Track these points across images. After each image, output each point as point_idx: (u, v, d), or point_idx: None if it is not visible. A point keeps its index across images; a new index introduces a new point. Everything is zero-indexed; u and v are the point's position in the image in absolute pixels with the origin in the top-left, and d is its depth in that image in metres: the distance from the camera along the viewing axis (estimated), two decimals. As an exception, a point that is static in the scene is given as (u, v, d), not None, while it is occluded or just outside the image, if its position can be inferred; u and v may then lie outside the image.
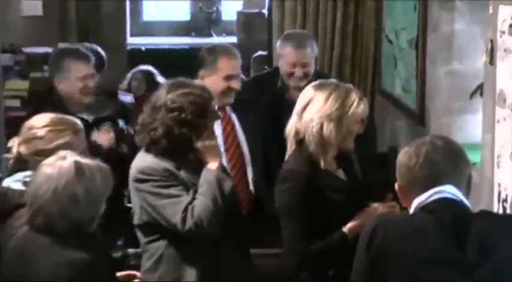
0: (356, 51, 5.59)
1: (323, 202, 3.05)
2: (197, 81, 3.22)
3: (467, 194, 2.41)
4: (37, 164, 2.77)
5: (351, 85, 3.18)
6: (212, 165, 3.08)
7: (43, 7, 7.24)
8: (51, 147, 2.96)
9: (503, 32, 3.05)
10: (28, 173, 2.97)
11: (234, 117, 4.00)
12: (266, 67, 5.88)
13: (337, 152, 3.14)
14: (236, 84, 3.89)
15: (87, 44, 5.67)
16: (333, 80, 3.24)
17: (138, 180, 3.08)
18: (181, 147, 3.08)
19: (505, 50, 3.04)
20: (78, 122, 3.18)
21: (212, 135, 3.17)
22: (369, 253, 2.31)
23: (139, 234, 3.18)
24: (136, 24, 8.82)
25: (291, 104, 3.26)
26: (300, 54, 4.29)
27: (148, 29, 8.93)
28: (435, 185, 2.34)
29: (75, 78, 4.07)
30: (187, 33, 8.90)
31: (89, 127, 3.91)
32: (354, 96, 3.08)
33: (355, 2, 5.53)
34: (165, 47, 8.50)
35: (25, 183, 2.91)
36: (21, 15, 7.24)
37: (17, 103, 5.80)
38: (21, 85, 6.02)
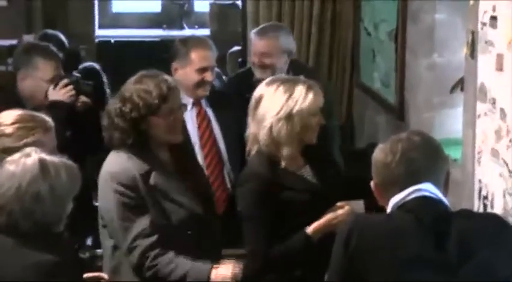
0: (334, 44, 5.59)
1: (284, 203, 3.03)
2: (165, 76, 3.13)
3: (445, 192, 2.37)
4: None
5: (300, 77, 3.09)
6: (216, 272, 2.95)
7: (7, -3, 7.13)
8: (20, 145, 2.89)
9: (484, 24, 3.03)
10: None
11: (210, 112, 3.95)
12: (240, 60, 5.79)
13: (301, 147, 3.11)
14: (210, 77, 3.86)
15: (50, 31, 5.53)
16: (282, 75, 3.24)
17: (107, 185, 3.02)
18: (145, 145, 3.02)
19: (486, 42, 3.02)
20: (49, 119, 3.12)
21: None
22: (346, 253, 2.27)
23: (102, 235, 3.12)
24: (106, 15, 8.77)
25: None
26: (261, 44, 4.20)
27: (118, 20, 8.87)
28: (413, 183, 2.30)
29: (41, 78, 3.95)
30: (158, 25, 8.86)
31: None
32: (301, 89, 3.04)
33: (333, -7, 5.51)
34: (136, 39, 8.43)
35: None
36: (-16, 5, 7.11)
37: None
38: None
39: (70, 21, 7.29)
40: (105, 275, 3.05)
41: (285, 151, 3.05)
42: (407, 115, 4.46)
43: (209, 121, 3.91)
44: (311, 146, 3.13)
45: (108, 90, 4.82)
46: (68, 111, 3.83)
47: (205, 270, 2.93)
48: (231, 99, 4.07)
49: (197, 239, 3.03)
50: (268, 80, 3.16)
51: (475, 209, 3.08)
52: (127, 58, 7.80)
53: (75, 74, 4.23)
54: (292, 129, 3.02)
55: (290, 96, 3.02)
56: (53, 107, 3.79)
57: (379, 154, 2.36)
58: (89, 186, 4.06)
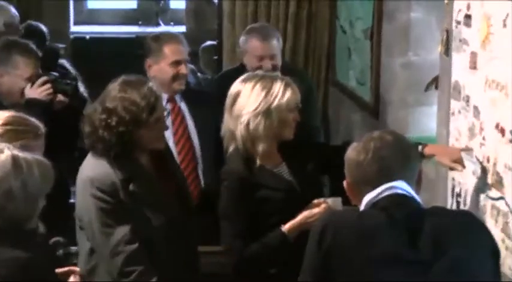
0: (310, 42, 5.57)
1: (261, 201, 3.03)
2: (150, 83, 3.06)
3: (418, 189, 2.38)
4: None
5: (277, 73, 3.09)
6: None
7: (-21, -8, 7.02)
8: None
9: (458, 23, 3.04)
10: None
11: (184, 108, 3.94)
12: (216, 57, 5.76)
13: (277, 144, 3.10)
14: (185, 70, 3.87)
15: (34, 23, 5.48)
16: (259, 72, 3.22)
17: (86, 190, 2.97)
18: (126, 153, 2.96)
19: (460, 40, 3.02)
20: (41, 126, 3.07)
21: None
22: (319, 252, 2.27)
23: (79, 237, 3.08)
24: (81, 12, 8.69)
25: None
26: (267, 46, 4.21)
27: (93, 17, 8.80)
28: (386, 181, 2.30)
29: (20, 76, 3.92)
30: (134, 22, 8.80)
31: None
32: (279, 86, 3.04)
33: (309, -10, 5.49)
34: (111, 36, 8.37)
35: None
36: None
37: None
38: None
39: (45, 18, 7.20)
40: (76, 268, 3.01)
41: (261, 147, 3.04)
42: (383, 113, 4.46)
43: (183, 117, 3.91)
44: (290, 144, 3.12)
45: (82, 89, 4.76)
46: (45, 110, 3.80)
47: None
48: (206, 96, 4.06)
49: (176, 243, 3.01)
50: (244, 76, 3.15)
51: (448, 207, 3.09)
52: (102, 55, 7.75)
53: (53, 73, 4.19)
54: (270, 125, 3.02)
55: (268, 92, 3.03)
56: (30, 105, 3.76)
57: (351, 153, 2.37)
58: (64, 184, 4.04)
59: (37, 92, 3.88)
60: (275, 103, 3.01)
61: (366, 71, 4.68)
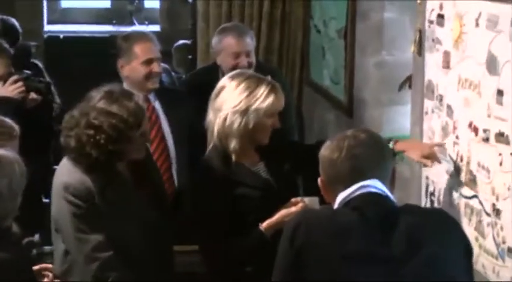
0: (284, 41, 5.57)
1: (238, 199, 3.02)
2: (134, 95, 3.01)
3: (391, 187, 2.39)
4: None
5: (267, 77, 3.08)
6: None
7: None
8: None
9: (431, 22, 3.05)
10: None
11: (158, 107, 3.91)
12: (190, 57, 5.75)
13: (252, 145, 3.10)
14: (157, 68, 3.84)
15: (5, 18, 5.44)
16: (248, 71, 3.20)
17: (61, 195, 2.93)
18: (105, 162, 2.91)
19: (433, 40, 3.04)
20: (16, 127, 3.06)
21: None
22: (292, 250, 2.25)
23: (54, 238, 3.05)
24: (54, 11, 8.63)
25: None
26: (243, 43, 4.21)
27: (67, 16, 8.73)
28: (359, 180, 2.30)
29: None
30: (108, 21, 8.74)
31: None
32: (264, 89, 3.03)
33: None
34: (85, 35, 8.31)
35: None
36: None
37: None
38: None
39: (18, 17, 7.11)
40: (49, 265, 3.03)
41: (233, 144, 3.03)
42: (357, 112, 4.46)
43: (157, 117, 3.88)
44: (267, 144, 3.11)
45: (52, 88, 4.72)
46: (17, 108, 3.77)
47: None
48: (180, 95, 4.04)
49: (152, 247, 3.00)
50: (234, 73, 3.14)
51: (422, 205, 3.09)
52: (76, 54, 7.71)
53: (26, 71, 4.17)
54: (245, 125, 3.00)
55: (251, 93, 3.01)
56: (1, 104, 3.73)
57: (325, 151, 2.36)
58: (37, 183, 4.01)
59: (8, 90, 3.86)
60: (255, 105, 3.00)
61: (339, 70, 4.69)
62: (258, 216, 3.01)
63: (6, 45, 4.09)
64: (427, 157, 2.88)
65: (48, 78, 4.82)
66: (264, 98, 3.01)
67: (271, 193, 3.08)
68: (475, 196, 2.68)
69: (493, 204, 2.55)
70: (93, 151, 2.86)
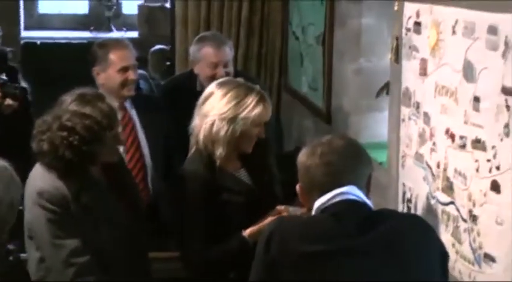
0: (262, 47, 5.58)
1: (220, 204, 3.01)
2: (105, 98, 3.00)
3: (367, 194, 2.39)
4: None
5: (257, 86, 3.07)
6: None
7: None
8: None
9: (408, 30, 3.05)
10: None
11: (135, 116, 3.89)
12: (168, 63, 5.74)
13: (236, 153, 3.10)
14: (133, 75, 3.82)
15: None
16: (239, 79, 3.18)
17: (35, 202, 2.90)
18: (79, 166, 2.89)
19: (410, 47, 3.04)
20: None
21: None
22: (266, 257, 2.26)
23: (28, 246, 3.02)
24: (31, 16, 8.59)
25: None
26: (221, 53, 4.20)
27: (44, 22, 8.70)
28: (335, 186, 2.30)
29: None
30: (85, 28, 8.70)
31: None
32: (252, 99, 3.03)
33: (261, -4, 5.49)
34: (62, 41, 8.27)
35: None
36: None
37: None
38: None
39: (-6, 22, 7.12)
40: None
41: (219, 150, 3.03)
42: (335, 119, 4.47)
43: (134, 126, 3.85)
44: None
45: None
46: None
47: None
48: (156, 102, 4.02)
49: (127, 252, 2.99)
50: (222, 80, 3.14)
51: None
52: (53, 60, 7.66)
53: (2, 76, 4.13)
54: (231, 133, 3.01)
55: (240, 101, 3.01)
56: None
57: (301, 158, 2.37)
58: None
59: None
60: (243, 114, 3.00)
61: (318, 76, 4.69)
62: (241, 221, 3.01)
63: None
64: None
65: (24, 83, 4.80)
66: (252, 108, 3.02)
67: (254, 199, 3.08)
68: (452, 203, 2.69)
69: (470, 211, 2.56)
70: (67, 153, 2.84)
